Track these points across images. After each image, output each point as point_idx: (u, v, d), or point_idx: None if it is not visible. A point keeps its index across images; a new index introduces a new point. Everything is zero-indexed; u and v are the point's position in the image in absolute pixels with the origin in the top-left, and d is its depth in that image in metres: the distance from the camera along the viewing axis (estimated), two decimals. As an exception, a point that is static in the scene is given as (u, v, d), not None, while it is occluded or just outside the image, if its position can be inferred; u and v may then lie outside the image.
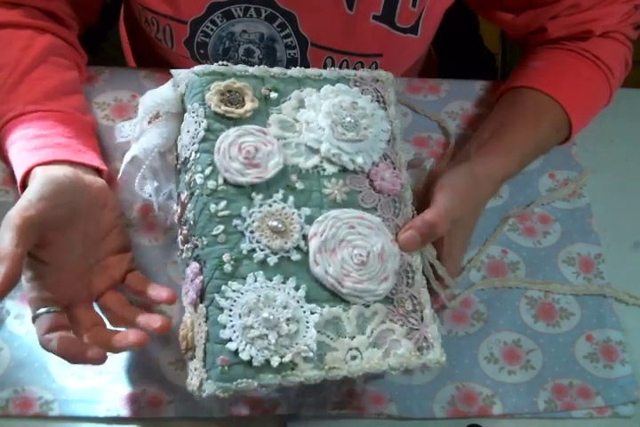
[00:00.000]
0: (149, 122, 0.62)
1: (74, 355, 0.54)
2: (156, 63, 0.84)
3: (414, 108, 0.83)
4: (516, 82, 0.77)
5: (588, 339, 0.69)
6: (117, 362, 0.64)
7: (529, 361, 0.67)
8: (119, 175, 0.65)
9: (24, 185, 0.62)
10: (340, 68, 0.65)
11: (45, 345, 0.54)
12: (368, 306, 0.56)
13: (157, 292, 0.60)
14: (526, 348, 0.68)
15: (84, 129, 0.69)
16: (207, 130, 0.58)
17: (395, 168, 0.61)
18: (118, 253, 0.63)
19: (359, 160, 0.59)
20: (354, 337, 0.54)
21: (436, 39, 0.84)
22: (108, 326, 0.60)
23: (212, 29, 0.76)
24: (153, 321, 0.58)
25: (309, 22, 0.74)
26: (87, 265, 0.60)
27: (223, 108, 0.58)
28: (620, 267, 0.74)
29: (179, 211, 0.59)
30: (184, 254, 0.57)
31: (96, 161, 0.66)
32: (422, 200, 0.63)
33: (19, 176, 0.62)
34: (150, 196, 0.66)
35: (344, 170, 0.59)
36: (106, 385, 0.63)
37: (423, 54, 0.94)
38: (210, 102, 0.58)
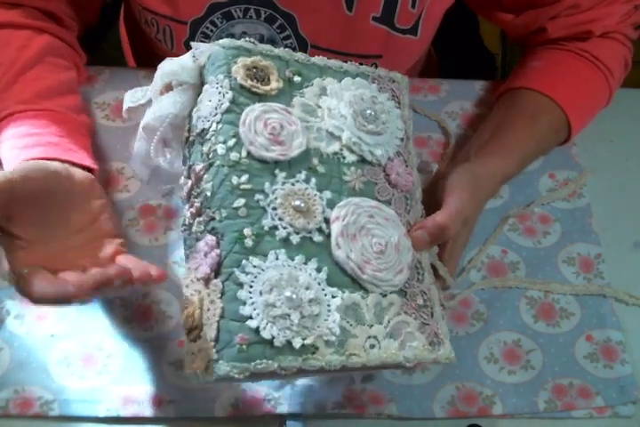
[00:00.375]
0: (161, 93, 0.60)
1: (103, 280, 0.50)
2: (156, 63, 0.84)
3: (414, 108, 0.83)
4: (516, 82, 0.77)
5: (588, 339, 0.69)
6: (117, 362, 0.64)
7: (529, 361, 0.67)
8: (134, 146, 0.63)
9: None
10: None
11: (27, 277, 0.51)
12: (385, 296, 0.55)
13: (147, 270, 0.55)
14: (526, 348, 0.68)
15: (77, 129, 0.69)
16: (232, 102, 0.56)
17: (407, 166, 0.61)
18: (107, 238, 0.60)
19: (378, 152, 0.59)
20: (372, 326, 0.53)
21: (436, 39, 0.84)
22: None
23: (211, 30, 0.76)
24: (148, 271, 0.53)
25: (309, 24, 0.74)
26: (69, 246, 0.58)
27: (249, 82, 0.57)
28: (620, 267, 0.74)
29: (189, 184, 0.57)
30: (194, 228, 0.55)
31: (87, 160, 0.65)
32: (427, 201, 0.63)
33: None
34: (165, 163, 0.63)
35: (362, 160, 0.59)
36: (106, 385, 0.63)
37: (423, 55, 0.94)
38: (236, 75, 0.57)
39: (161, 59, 0.83)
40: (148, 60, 0.88)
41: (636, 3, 0.77)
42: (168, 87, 0.60)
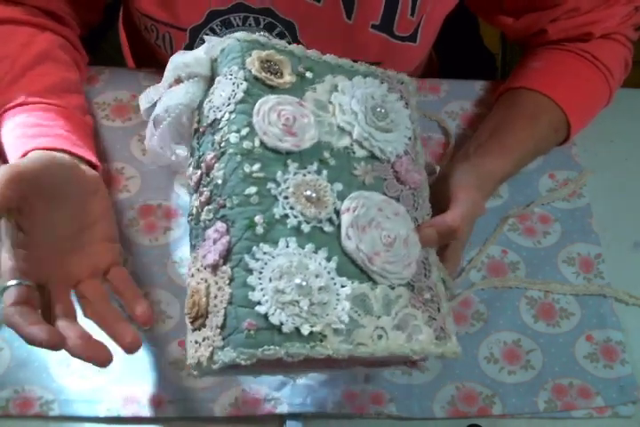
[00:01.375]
0: (170, 86, 0.61)
1: (30, 335, 0.51)
2: (156, 66, 0.84)
3: (414, 107, 0.83)
4: (515, 82, 0.77)
5: (588, 339, 0.69)
6: (117, 362, 0.64)
7: (529, 361, 0.67)
8: (146, 138, 0.63)
9: None
10: None
11: (9, 318, 0.52)
12: (393, 288, 0.55)
13: (133, 306, 0.58)
14: (526, 348, 0.68)
15: (83, 128, 0.70)
16: (246, 92, 0.56)
17: (415, 164, 0.62)
18: (105, 243, 0.62)
19: (388, 149, 0.60)
20: (380, 316, 0.53)
21: (436, 40, 0.84)
22: (79, 316, 0.58)
23: None
24: (125, 334, 0.55)
25: (308, 31, 0.75)
26: (69, 248, 0.59)
27: (264, 74, 0.57)
28: (620, 267, 0.74)
29: (198, 173, 0.57)
30: (203, 216, 0.55)
31: (93, 158, 0.66)
32: (432, 201, 0.63)
33: (13, 159, 0.62)
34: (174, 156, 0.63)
35: (372, 156, 0.60)
36: (106, 385, 0.63)
37: (424, 60, 0.94)
38: (251, 67, 0.57)
39: (160, 62, 0.83)
40: (148, 62, 0.88)
41: (637, 4, 0.77)
42: (178, 81, 0.60)
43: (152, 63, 0.85)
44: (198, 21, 0.74)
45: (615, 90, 0.80)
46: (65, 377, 0.63)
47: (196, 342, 0.51)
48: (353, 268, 0.54)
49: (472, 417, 0.64)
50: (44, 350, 0.63)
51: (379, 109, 0.60)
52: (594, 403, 0.66)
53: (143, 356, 0.64)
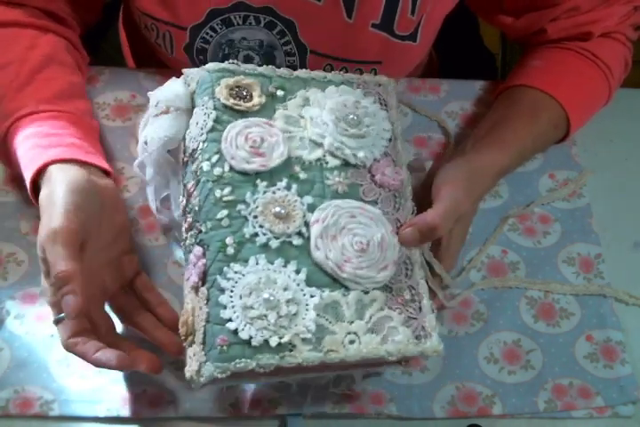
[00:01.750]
0: (157, 115, 0.63)
1: (100, 362, 0.55)
2: (156, 66, 0.84)
3: (414, 108, 0.83)
4: (515, 81, 0.77)
5: (588, 339, 0.69)
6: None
7: (529, 361, 0.67)
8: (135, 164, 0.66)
9: (34, 181, 0.62)
10: None
11: (71, 348, 0.55)
12: (367, 292, 0.56)
13: (159, 311, 0.62)
14: (526, 348, 0.68)
15: (92, 133, 0.70)
16: (215, 121, 0.60)
17: (395, 165, 0.62)
18: (128, 254, 0.64)
19: (360, 154, 0.61)
20: (352, 322, 0.55)
21: (436, 40, 0.84)
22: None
23: (211, 36, 0.76)
24: (167, 340, 0.60)
25: (309, 30, 0.75)
26: (103, 263, 0.61)
27: (232, 100, 0.61)
28: (620, 267, 0.74)
29: (184, 201, 0.60)
30: (187, 242, 0.58)
31: (106, 165, 0.67)
32: (422, 198, 0.63)
33: (31, 171, 0.62)
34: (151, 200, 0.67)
35: (346, 164, 0.61)
36: (106, 385, 0.63)
37: (424, 59, 0.94)
38: (219, 95, 0.61)
39: (160, 62, 0.83)
40: (148, 62, 0.88)
41: (636, 4, 0.77)
42: (165, 111, 0.64)
43: (152, 63, 0.85)
44: (198, 20, 0.74)
45: (615, 88, 0.80)
46: (65, 377, 0.63)
47: (190, 358, 0.54)
48: (324, 277, 0.56)
49: (472, 417, 0.64)
50: (43, 350, 0.64)
51: (351, 117, 0.62)
52: (594, 403, 0.66)
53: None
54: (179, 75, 0.69)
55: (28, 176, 0.63)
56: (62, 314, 0.56)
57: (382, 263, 0.57)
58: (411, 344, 0.55)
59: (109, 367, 0.55)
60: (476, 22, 1.08)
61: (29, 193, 0.63)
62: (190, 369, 0.53)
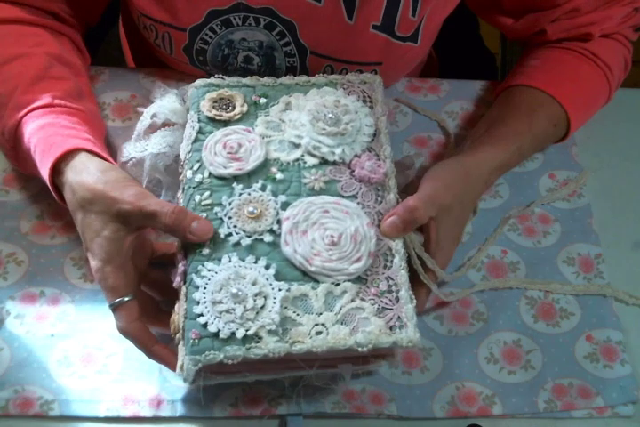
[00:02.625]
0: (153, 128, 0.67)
1: (158, 355, 0.58)
2: (155, 66, 0.84)
3: (414, 108, 0.83)
4: (514, 80, 0.77)
5: (588, 339, 0.69)
6: (117, 362, 0.64)
7: (529, 361, 0.67)
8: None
9: (56, 163, 0.62)
10: None
11: (133, 333, 0.58)
12: (338, 284, 0.57)
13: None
14: (526, 348, 0.68)
15: (101, 135, 0.70)
16: (199, 132, 0.64)
17: (379, 159, 0.63)
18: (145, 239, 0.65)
19: (338, 151, 0.63)
20: (321, 313, 0.56)
21: (436, 40, 0.84)
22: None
23: (210, 37, 0.76)
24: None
25: (309, 31, 0.74)
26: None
27: (214, 112, 0.65)
28: (620, 267, 0.74)
29: None
30: (179, 248, 0.60)
31: (117, 165, 0.67)
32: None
33: (54, 155, 0.62)
34: None
35: (325, 162, 0.63)
36: (106, 385, 0.63)
37: (424, 59, 0.94)
38: (202, 108, 0.65)
39: (160, 62, 0.83)
40: (148, 62, 0.88)
41: (636, 5, 0.77)
42: (163, 125, 0.68)
43: (152, 63, 0.85)
44: (198, 21, 0.74)
45: (615, 87, 0.80)
46: (65, 377, 0.63)
47: (180, 355, 0.56)
48: (293, 271, 0.58)
49: (472, 417, 0.64)
50: (43, 350, 0.64)
51: (329, 115, 0.64)
52: (594, 403, 0.66)
53: (143, 356, 0.64)
54: (179, 75, 0.69)
55: (49, 160, 0.62)
56: (118, 299, 0.58)
57: (355, 255, 0.58)
58: (383, 334, 0.55)
59: (161, 362, 0.59)
60: (476, 22, 1.08)
61: (47, 175, 0.62)
62: (179, 365, 0.55)
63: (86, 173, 0.60)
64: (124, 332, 0.58)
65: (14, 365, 0.63)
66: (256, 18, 0.73)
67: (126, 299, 0.58)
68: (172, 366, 0.58)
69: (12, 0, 0.72)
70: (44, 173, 0.63)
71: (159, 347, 0.59)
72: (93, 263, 0.59)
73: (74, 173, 0.61)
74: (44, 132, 0.64)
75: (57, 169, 0.62)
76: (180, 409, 0.62)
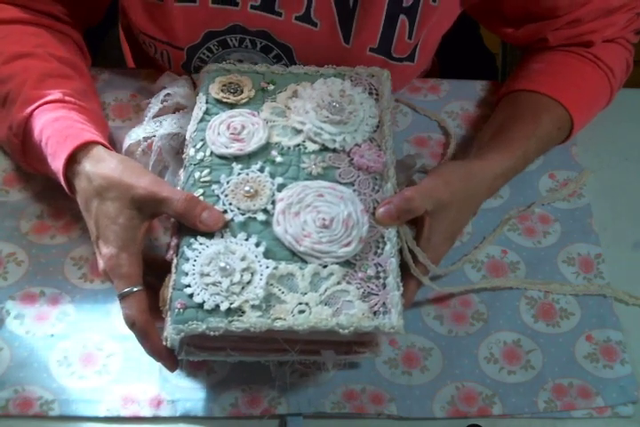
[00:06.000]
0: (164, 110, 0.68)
1: (157, 350, 0.58)
2: (156, 67, 0.84)
3: (414, 108, 0.83)
4: (516, 85, 0.77)
5: (588, 339, 0.69)
6: (117, 362, 0.64)
7: (529, 361, 0.67)
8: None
9: (72, 153, 0.62)
10: None
11: (141, 323, 0.57)
12: (325, 266, 0.58)
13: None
14: (526, 348, 0.68)
15: (106, 133, 0.70)
16: (205, 113, 0.65)
17: (380, 149, 0.64)
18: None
19: (339, 139, 0.64)
20: (305, 293, 0.56)
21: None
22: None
23: (208, 56, 0.76)
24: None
25: (305, 55, 0.74)
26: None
27: (221, 94, 0.66)
28: (619, 267, 0.74)
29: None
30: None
31: None
32: None
33: (71, 145, 0.62)
34: None
35: (325, 148, 0.64)
36: (106, 385, 0.63)
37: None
38: (211, 91, 0.67)
39: (160, 66, 0.83)
40: (148, 62, 0.88)
41: (639, 10, 0.77)
42: (176, 108, 0.69)
43: (152, 63, 0.85)
44: (195, 41, 0.74)
45: (617, 89, 0.80)
46: (65, 377, 0.63)
47: (165, 325, 0.56)
48: (283, 251, 0.58)
49: (472, 417, 0.64)
50: (43, 350, 0.64)
51: (334, 104, 0.65)
52: (594, 403, 0.66)
53: (143, 356, 0.64)
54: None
55: (67, 149, 0.62)
56: (127, 289, 0.57)
57: (346, 240, 0.58)
58: (366, 318, 0.55)
59: (159, 359, 0.59)
60: (476, 22, 1.08)
61: (62, 165, 0.62)
62: (164, 335, 0.55)
63: (104, 163, 0.61)
64: (132, 321, 0.57)
65: (14, 365, 0.63)
66: (252, 40, 0.74)
67: (136, 289, 0.58)
68: (171, 366, 0.58)
69: (12, 2, 0.72)
70: (59, 162, 0.62)
71: (161, 343, 0.58)
72: (107, 251, 0.58)
73: (92, 163, 0.61)
74: (60, 124, 0.64)
75: (73, 158, 0.62)
76: (180, 409, 0.62)
